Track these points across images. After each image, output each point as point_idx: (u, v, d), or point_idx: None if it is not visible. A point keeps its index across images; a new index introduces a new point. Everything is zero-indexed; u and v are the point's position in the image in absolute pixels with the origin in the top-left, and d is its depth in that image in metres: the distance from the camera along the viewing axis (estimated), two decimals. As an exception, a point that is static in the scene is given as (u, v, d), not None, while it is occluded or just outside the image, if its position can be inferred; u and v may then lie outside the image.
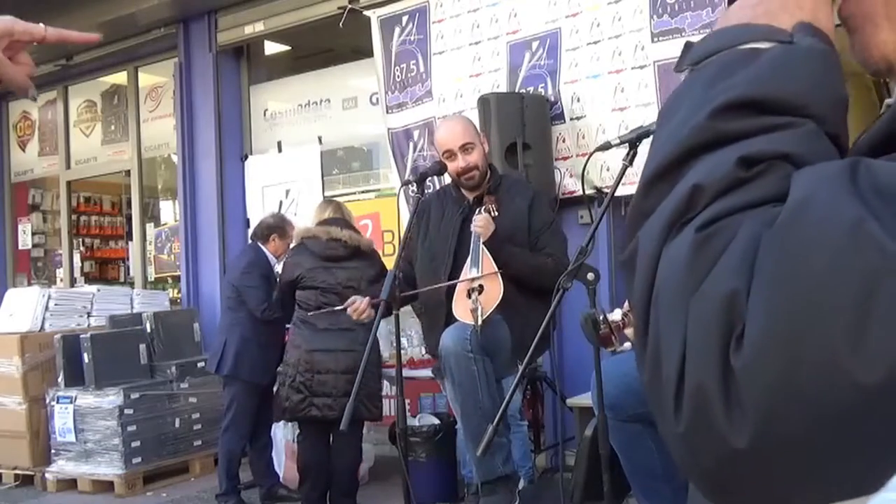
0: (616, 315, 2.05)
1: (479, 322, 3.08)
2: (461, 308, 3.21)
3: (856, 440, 0.47)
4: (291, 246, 4.31)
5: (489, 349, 3.21)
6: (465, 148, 3.45)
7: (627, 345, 2.09)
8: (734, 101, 0.59)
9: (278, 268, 4.65)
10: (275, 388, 4.52)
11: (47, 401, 5.23)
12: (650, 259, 0.57)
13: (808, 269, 0.49)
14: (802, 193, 0.52)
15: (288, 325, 4.49)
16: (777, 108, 0.59)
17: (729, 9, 0.72)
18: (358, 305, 3.40)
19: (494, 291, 3.18)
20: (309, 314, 4.00)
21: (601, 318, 2.03)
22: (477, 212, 3.34)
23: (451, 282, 3.32)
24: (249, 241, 4.98)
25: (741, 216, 0.54)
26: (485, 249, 3.26)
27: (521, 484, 3.57)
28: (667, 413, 0.53)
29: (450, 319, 3.41)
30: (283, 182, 6.16)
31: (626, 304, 2.18)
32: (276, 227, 4.71)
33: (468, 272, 3.25)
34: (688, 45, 0.70)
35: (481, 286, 3.20)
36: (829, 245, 0.49)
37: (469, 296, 3.18)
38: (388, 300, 2.94)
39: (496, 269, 3.21)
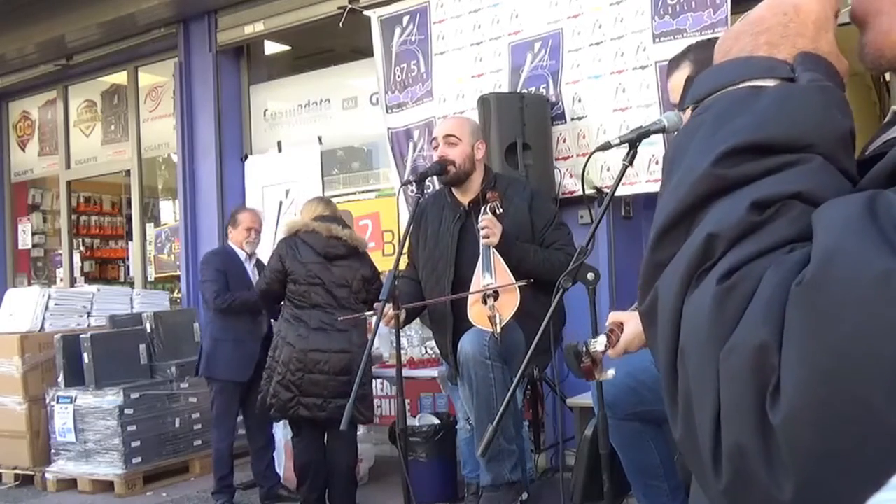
0: (599, 345, 2.02)
1: (498, 330, 3.08)
2: (477, 313, 3.19)
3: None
4: (281, 237, 4.16)
5: (505, 354, 3.21)
6: (448, 139, 3.45)
7: (611, 372, 2.07)
8: (737, 146, 0.58)
9: (259, 258, 4.67)
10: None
11: (47, 401, 5.23)
12: (672, 313, 0.57)
13: (841, 325, 0.49)
14: (828, 243, 0.51)
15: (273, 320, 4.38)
16: (782, 148, 0.58)
17: (730, 29, 0.71)
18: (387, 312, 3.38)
19: (511, 298, 3.16)
20: (340, 319, 3.91)
21: (583, 349, 2.02)
22: (483, 212, 3.30)
23: (464, 293, 3.29)
24: None
25: (761, 262, 0.54)
26: (495, 252, 3.23)
27: (525, 496, 3.55)
28: (706, 469, 0.53)
29: (457, 326, 3.41)
30: (283, 182, 6.15)
31: (608, 320, 2.15)
32: (229, 219, 4.83)
33: (480, 278, 3.22)
34: (688, 81, 0.69)
35: (496, 291, 3.18)
36: (861, 301, 0.48)
37: (485, 301, 3.16)
38: (388, 301, 2.95)
39: (510, 275, 3.18)
